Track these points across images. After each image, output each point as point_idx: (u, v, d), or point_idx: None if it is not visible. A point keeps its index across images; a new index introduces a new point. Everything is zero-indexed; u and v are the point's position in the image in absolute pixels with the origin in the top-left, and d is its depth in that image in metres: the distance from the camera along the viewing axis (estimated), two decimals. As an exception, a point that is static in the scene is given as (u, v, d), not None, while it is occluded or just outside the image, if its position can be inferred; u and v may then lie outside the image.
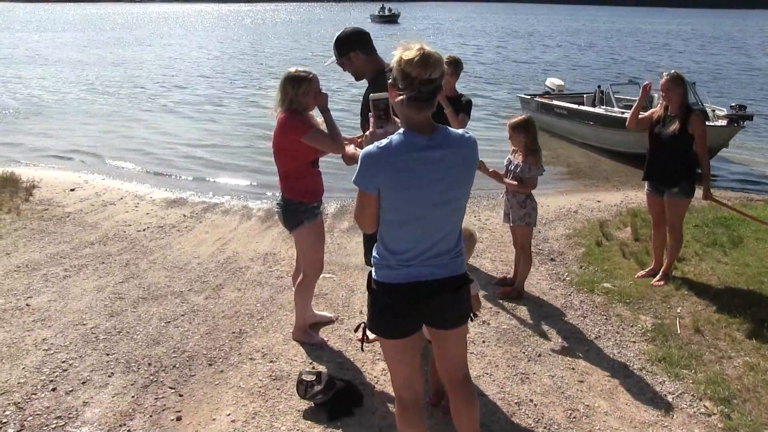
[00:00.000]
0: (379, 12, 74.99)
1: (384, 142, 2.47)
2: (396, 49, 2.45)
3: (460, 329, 2.79)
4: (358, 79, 4.00)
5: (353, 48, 3.89)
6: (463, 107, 5.67)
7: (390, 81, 2.49)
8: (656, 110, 5.50)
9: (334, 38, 3.95)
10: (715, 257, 6.13)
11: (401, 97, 2.41)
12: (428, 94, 2.41)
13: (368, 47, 3.91)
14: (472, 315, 2.83)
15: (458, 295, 2.67)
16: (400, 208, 2.50)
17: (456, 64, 5.66)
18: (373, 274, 2.67)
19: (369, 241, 4.16)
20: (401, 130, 2.49)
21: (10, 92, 19.88)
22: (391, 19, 73.03)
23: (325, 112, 4.06)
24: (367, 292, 2.74)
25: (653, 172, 5.49)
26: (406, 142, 2.45)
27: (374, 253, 2.67)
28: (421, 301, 2.61)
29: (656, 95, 11.31)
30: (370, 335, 3.05)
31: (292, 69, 4.09)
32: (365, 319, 2.84)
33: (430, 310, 2.66)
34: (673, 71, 5.34)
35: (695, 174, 5.37)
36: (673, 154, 5.31)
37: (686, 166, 5.33)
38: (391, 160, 2.43)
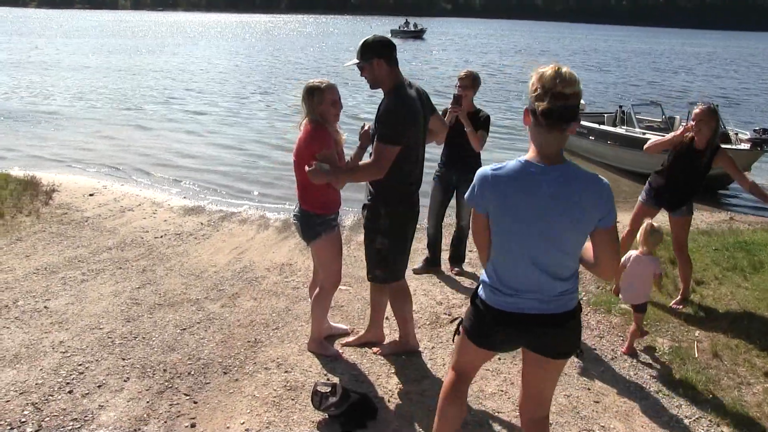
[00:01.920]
0: (401, 27, 72.96)
1: (500, 164, 2.50)
2: (531, 72, 2.46)
3: (556, 363, 2.73)
4: (373, 87, 3.97)
5: (380, 55, 3.84)
6: (481, 124, 5.72)
7: (526, 106, 2.47)
8: (677, 135, 5.39)
9: (361, 41, 3.91)
10: (735, 282, 6.07)
11: (540, 105, 2.37)
12: (560, 109, 2.36)
13: (393, 58, 3.88)
14: (578, 351, 2.77)
15: (563, 329, 2.63)
16: (501, 236, 2.57)
17: (474, 79, 5.82)
18: (480, 291, 2.73)
19: (376, 255, 4.19)
20: (521, 158, 2.49)
21: (31, 96, 20.13)
22: (417, 34, 71.20)
23: (362, 149, 4.11)
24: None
25: (664, 194, 5.50)
26: (518, 169, 2.47)
27: (483, 272, 2.75)
28: (521, 331, 2.63)
29: (677, 117, 11.29)
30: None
31: (311, 81, 4.11)
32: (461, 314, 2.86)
33: (530, 338, 2.67)
34: (711, 103, 5.26)
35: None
36: (694, 183, 5.34)
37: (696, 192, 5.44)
38: (500, 185, 2.48)
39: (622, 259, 4.73)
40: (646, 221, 4.79)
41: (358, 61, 3.91)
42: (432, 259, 6.35)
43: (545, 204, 2.42)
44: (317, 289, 4.45)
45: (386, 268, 4.18)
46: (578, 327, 2.69)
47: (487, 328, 2.69)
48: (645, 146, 5.66)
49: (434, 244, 6.32)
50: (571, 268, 2.58)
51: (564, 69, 2.38)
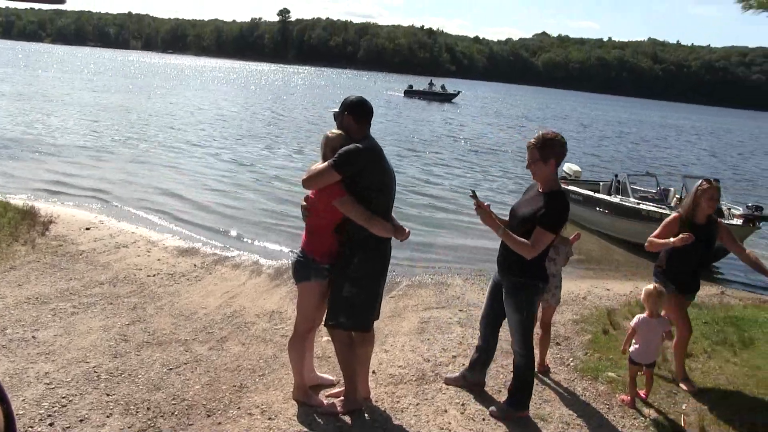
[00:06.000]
0: (425, 88, 64.71)
1: None
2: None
3: None
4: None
5: (351, 112, 4.29)
6: (537, 214, 4.43)
7: None
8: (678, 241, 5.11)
9: (345, 98, 4.41)
10: (724, 356, 6.07)
11: None
12: None
13: (361, 117, 4.30)
14: None
15: None
16: None
17: (542, 147, 4.50)
18: None
19: (344, 303, 4.22)
20: None
21: (35, 128, 20.30)
22: (445, 98, 63.04)
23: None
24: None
25: (686, 280, 5.43)
26: None
27: None
28: None
29: (672, 189, 11.39)
30: None
31: (329, 131, 4.37)
32: None
33: None
34: (713, 179, 5.33)
35: None
36: (705, 260, 5.50)
37: None
38: None
39: (632, 323, 5.05)
40: (649, 285, 5.04)
41: (336, 110, 4.39)
42: (469, 374, 5.04)
43: None
44: (292, 334, 4.54)
45: (352, 316, 4.25)
46: None
47: None
48: (646, 244, 5.45)
49: (478, 360, 5.00)
50: None
51: None
